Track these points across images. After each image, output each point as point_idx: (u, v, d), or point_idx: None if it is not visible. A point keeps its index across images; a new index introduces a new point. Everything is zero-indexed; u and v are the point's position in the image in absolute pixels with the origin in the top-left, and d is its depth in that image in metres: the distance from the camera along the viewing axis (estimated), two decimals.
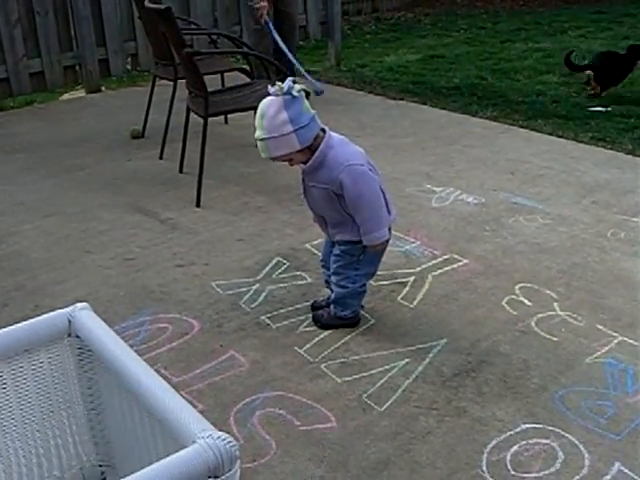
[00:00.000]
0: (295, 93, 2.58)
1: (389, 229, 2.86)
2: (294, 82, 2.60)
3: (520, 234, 3.73)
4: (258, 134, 2.64)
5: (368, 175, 2.73)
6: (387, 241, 2.86)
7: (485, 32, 9.38)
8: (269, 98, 2.62)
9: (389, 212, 2.85)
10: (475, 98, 6.25)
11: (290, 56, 5.57)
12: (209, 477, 1.06)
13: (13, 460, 1.41)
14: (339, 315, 2.98)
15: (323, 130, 2.73)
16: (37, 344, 1.39)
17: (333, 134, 2.77)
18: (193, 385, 2.65)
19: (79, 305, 1.44)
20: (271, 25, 5.60)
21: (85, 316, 1.41)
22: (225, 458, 1.05)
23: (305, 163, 2.73)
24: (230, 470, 1.07)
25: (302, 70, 5.62)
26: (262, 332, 2.97)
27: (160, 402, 1.15)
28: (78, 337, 1.42)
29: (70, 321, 1.42)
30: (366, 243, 2.79)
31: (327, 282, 3.10)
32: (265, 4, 5.58)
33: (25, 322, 1.42)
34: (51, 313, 1.44)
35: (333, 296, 2.98)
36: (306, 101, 2.65)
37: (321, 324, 3.01)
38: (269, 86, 2.64)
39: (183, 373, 2.71)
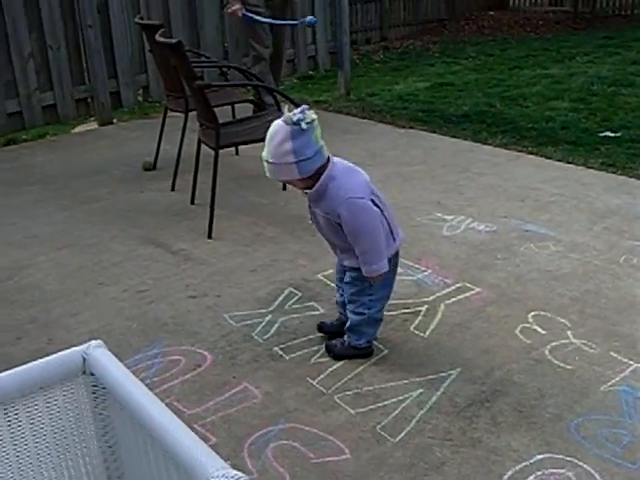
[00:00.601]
0: (304, 125, 2.58)
1: (397, 253, 2.88)
2: (305, 112, 2.61)
3: (532, 262, 3.73)
4: (265, 155, 2.68)
5: (368, 208, 2.74)
6: (395, 266, 2.86)
7: (493, 59, 9.45)
8: (280, 123, 2.63)
9: (394, 239, 2.87)
10: (484, 125, 6.28)
11: (282, 22, 6.17)
12: None
13: None
14: (354, 344, 2.97)
15: (328, 159, 2.74)
16: (52, 382, 1.40)
17: (338, 162, 2.79)
18: (206, 418, 2.65)
19: (93, 343, 1.45)
20: (249, 15, 6.00)
21: (99, 353, 1.42)
22: None
23: (310, 188, 2.74)
24: None
25: (296, 22, 6.32)
26: (275, 363, 2.96)
27: (175, 440, 1.15)
28: (93, 375, 1.43)
29: (85, 359, 1.43)
30: (365, 274, 2.79)
31: (337, 301, 3.12)
32: (237, 7, 5.99)
33: (40, 360, 1.43)
34: (66, 351, 1.45)
35: (348, 324, 2.96)
36: (317, 131, 2.66)
37: (334, 354, 3.00)
38: (284, 109, 2.69)
39: (196, 406, 2.71)
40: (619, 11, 12.77)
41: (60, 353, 1.44)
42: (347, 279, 2.92)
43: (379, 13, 11.24)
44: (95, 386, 1.44)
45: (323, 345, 3.05)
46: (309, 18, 6.03)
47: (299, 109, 2.61)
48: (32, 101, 6.74)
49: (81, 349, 1.43)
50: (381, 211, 2.80)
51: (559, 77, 8.05)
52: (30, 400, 1.39)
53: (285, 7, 6.51)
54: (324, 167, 2.71)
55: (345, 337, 3.00)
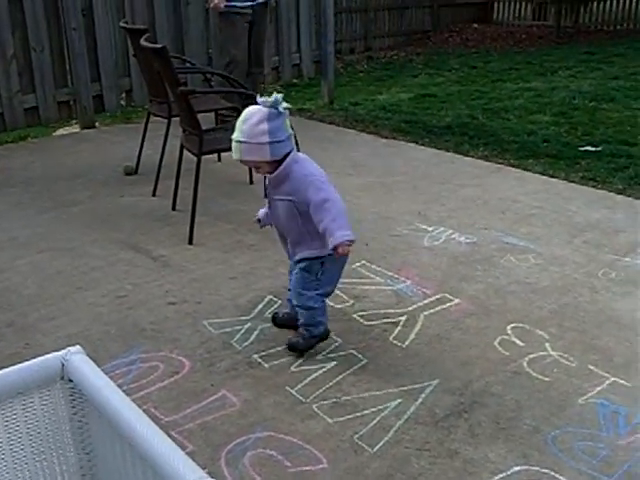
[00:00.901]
0: (281, 109, 2.79)
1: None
2: (280, 99, 2.79)
3: (512, 274, 3.75)
4: (236, 135, 2.83)
5: (330, 184, 2.93)
6: (349, 244, 2.88)
7: (476, 71, 9.51)
8: (255, 107, 2.82)
9: None
10: (467, 137, 6.32)
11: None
12: None
13: None
14: (314, 335, 3.09)
15: (292, 148, 2.92)
16: (30, 387, 1.39)
17: (300, 153, 2.99)
18: (184, 425, 2.63)
19: (72, 349, 1.43)
20: (231, 4, 6.16)
21: (78, 360, 1.41)
22: None
23: (271, 174, 2.90)
24: None
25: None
26: (254, 371, 2.96)
27: (152, 448, 1.14)
28: (71, 381, 1.42)
29: (63, 364, 1.42)
30: (333, 243, 2.81)
31: (289, 300, 3.22)
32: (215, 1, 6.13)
33: (19, 365, 1.42)
34: (44, 356, 1.43)
35: (303, 320, 3.07)
36: (288, 120, 2.85)
37: (300, 350, 3.07)
38: (257, 97, 2.85)
39: (173, 413, 2.70)
40: (601, 26, 12.92)
41: (39, 358, 1.43)
42: (296, 272, 3.02)
43: (364, 23, 11.29)
44: (73, 393, 1.43)
45: (302, 353, 3.06)
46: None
47: (274, 96, 2.78)
48: (14, 103, 6.70)
49: (60, 355, 1.42)
50: None
51: (541, 91, 8.12)
52: (7, 405, 1.37)
53: (265, 15, 6.56)
54: (289, 154, 2.88)
55: (302, 331, 3.09)
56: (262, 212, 3.17)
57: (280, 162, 2.86)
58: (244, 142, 2.80)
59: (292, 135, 2.89)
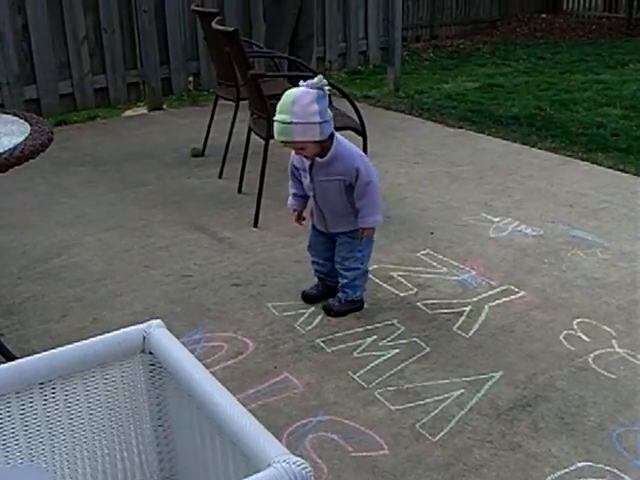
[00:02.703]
0: (325, 90, 2.91)
1: None
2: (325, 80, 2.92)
3: (579, 268, 3.69)
4: (284, 117, 2.88)
5: (372, 165, 3.13)
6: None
7: (544, 62, 9.34)
8: (301, 89, 2.90)
9: None
10: (534, 129, 6.22)
11: None
12: None
13: (80, 472, 1.44)
14: (350, 299, 3.24)
15: None
16: (111, 358, 1.42)
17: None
18: (246, 405, 2.59)
19: (154, 322, 1.46)
20: None
21: (160, 333, 1.43)
22: None
23: (320, 157, 3.02)
24: None
25: None
26: (317, 355, 2.97)
27: (235, 423, 1.15)
28: (151, 354, 1.44)
29: (145, 337, 1.45)
30: (364, 225, 3.10)
31: (317, 272, 3.38)
32: None
33: (100, 337, 1.45)
34: (126, 328, 1.47)
35: (344, 281, 3.22)
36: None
37: (334, 312, 3.23)
38: (301, 81, 2.94)
39: (237, 392, 2.71)
40: None
41: (121, 330, 1.46)
42: (341, 240, 3.19)
43: (430, 11, 11.18)
44: (153, 365, 1.46)
45: (367, 339, 3.06)
46: None
47: (319, 77, 2.91)
48: (84, 83, 6.82)
49: (142, 327, 1.45)
50: None
51: (611, 83, 7.94)
52: (89, 375, 1.41)
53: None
54: (332, 135, 3.02)
55: (339, 295, 3.25)
56: (292, 201, 3.28)
57: (325, 145, 2.99)
58: (296, 123, 2.86)
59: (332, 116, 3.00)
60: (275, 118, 2.93)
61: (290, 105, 2.86)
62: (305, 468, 1.01)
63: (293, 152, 3.10)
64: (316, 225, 3.29)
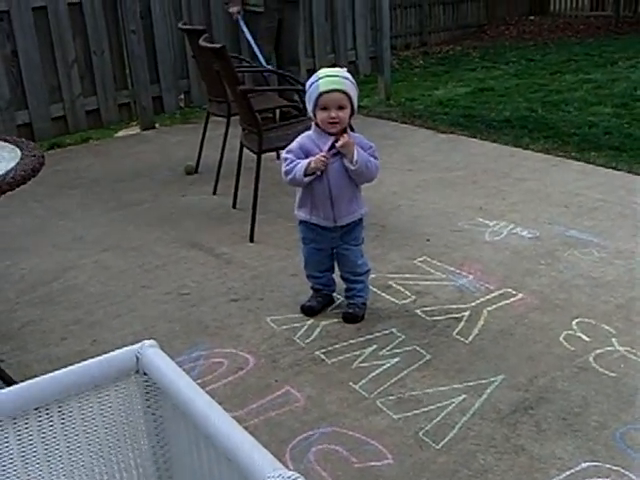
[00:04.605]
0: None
1: None
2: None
3: (576, 268, 3.69)
4: (338, 72, 3.05)
5: None
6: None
7: (534, 64, 9.38)
8: None
9: None
10: (526, 131, 6.24)
11: (257, 52, 6.16)
12: None
13: None
14: (364, 301, 3.34)
15: None
16: (106, 380, 1.42)
17: None
18: (248, 420, 2.66)
19: (147, 342, 1.46)
20: (241, 24, 6.30)
21: (152, 353, 1.43)
22: None
23: (344, 132, 3.07)
24: None
25: (263, 63, 6.15)
26: (317, 367, 2.97)
27: (230, 440, 1.15)
28: (145, 374, 1.45)
29: (138, 358, 1.45)
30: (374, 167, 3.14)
31: (316, 284, 3.42)
32: (236, 9, 6.33)
33: (94, 359, 1.45)
34: (119, 350, 1.47)
35: (359, 286, 3.31)
36: None
37: (360, 317, 3.29)
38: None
39: (239, 408, 2.72)
40: None
41: (114, 352, 1.46)
42: (342, 252, 3.26)
43: (419, 18, 11.24)
44: (148, 385, 1.46)
45: (365, 349, 3.06)
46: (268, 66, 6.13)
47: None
48: (76, 106, 6.83)
49: (135, 348, 1.45)
50: None
51: (601, 82, 7.97)
52: (84, 398, 1.41)
53: (294, 14, 6.67)
54: None
55: (356, 300, 3.31)
56: (303, 162, 3.13)
57: (352, 115, 3.10)
58: (349, 80, 3.04)
59: None
60: (326, 74, 3.03)
61: (341, 71, 3.06)
62: None
63: (296, 144, 3.15)
64: (321, 223, 3.21)
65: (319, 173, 3.08)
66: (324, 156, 3.04)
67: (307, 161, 3.07)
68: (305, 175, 3.07)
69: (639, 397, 2.69)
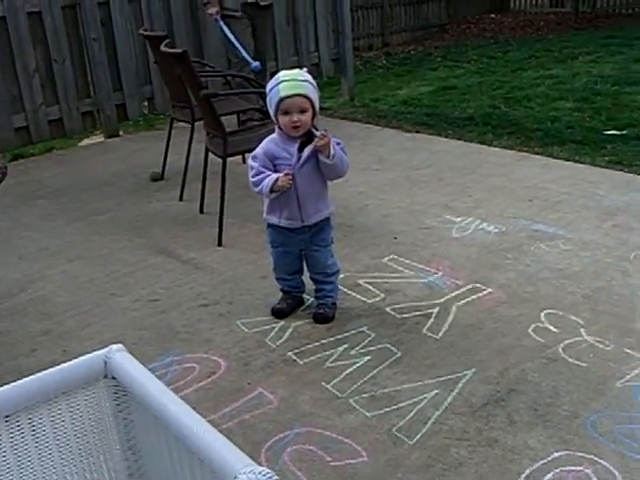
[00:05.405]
0: None
1: None
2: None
3: (542, 261, 3.73)
4: (297, 76, 3.01)
5: None
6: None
7: (496, 61, 9.47)
8: None
9: None
10: (490, 127, 6.29)
11: (240, 49, 6.10)
12: None
13: None
14: (334, 301, 3.36)
15: None
16: (74, 386, 1.41)
17: None
18: (222, 424, 2.65)
19: (114, 347, 1.46)
20: (221, 24, 6.24)
21: (120, 357, 1.43)
22: None
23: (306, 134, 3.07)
24: None
25: (248, 58, 6.09)
26: (289, 368, 2.97)
27: (200, 439, 1.15)
28: (114, 378, 1.44)
29: (106, 362, 1.44)
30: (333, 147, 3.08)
31: (286, 286, 3.42)
32: (215, 9, 6.24)
33: (62, 365, 1.44)
34: (87, 355, 1.46)
35: (329, 287, 3.32)
36: None
37: (331, 317, 3.30)
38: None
39: (212, 412, 2.71)
40: (620, 10, 12.79)
41: (82, 358, 1.45)
42: (315, 249, 3.25)
43: (380, 19, 11.28)
44: (117, 390, 1.45)
45: (337, 348, 3.07)
46: (255, 64, 6.01)
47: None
48: (38, 115, 6.77)
49: (102, 353, 1.44)
50: None
51: (562, 77, 8.06)
52: (53, 404, 1.40)
53: (266, 19, 6.67)
54: None
55: (326, 300, 3.32)
56: (271, 177, 3.11)
57: (313, 118, 3.07)
58: (309, 82, 3.02)
59: None
60: (285, 78, 3.00)
61: (300, 73, 3.04)
62: (271, 477, 1.01)
63: (260, 150, 3.13)
64: (287, 225, 3.21)
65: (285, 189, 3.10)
66: (287, 174, 3.05)
67: (274, 177, 3.06)
68: (271, 192, 3.09)
69: (608, 385, 2.72)
